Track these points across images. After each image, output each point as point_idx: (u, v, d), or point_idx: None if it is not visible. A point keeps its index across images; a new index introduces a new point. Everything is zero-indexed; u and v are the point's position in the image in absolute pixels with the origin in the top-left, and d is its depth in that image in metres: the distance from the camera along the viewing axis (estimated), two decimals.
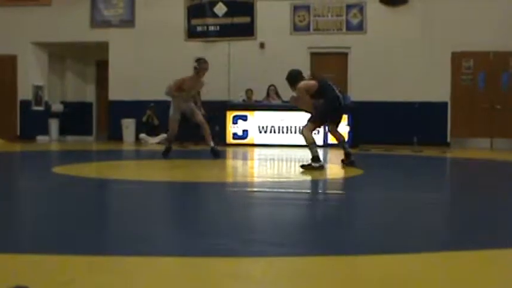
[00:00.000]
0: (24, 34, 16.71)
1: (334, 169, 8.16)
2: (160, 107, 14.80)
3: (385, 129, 14.35)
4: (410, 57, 14.58)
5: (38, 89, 17.00)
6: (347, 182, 6.48)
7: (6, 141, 15.14)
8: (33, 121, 16.88)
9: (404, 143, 13.69)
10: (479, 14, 14.20)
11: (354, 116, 13.38)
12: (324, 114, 7.49)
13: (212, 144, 8.88)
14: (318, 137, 13.35)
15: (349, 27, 15.17)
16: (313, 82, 7.58)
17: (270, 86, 14.47)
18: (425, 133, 14.12)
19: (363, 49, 14.89)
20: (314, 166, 7.19)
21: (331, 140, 12.26)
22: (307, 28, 15.34)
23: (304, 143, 7.41)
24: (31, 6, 16.68)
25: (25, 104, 16.94)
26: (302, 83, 7.49)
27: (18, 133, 16.98)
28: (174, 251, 2.65)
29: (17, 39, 16.70)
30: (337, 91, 7.58)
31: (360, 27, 15.05)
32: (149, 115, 15.21)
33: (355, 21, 15.12)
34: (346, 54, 15.26)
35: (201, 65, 9.12)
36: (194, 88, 9.26)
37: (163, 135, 14.83)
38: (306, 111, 7.74)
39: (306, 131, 7.42)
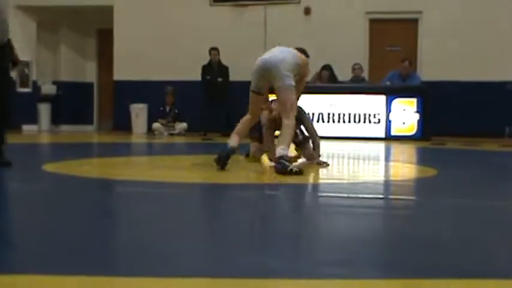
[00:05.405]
0: None
1: (401, 168, 8.15)
2: (180, 89, 14.90)
3: (467, 117, 14.15)
4: (506, 23, 14.33)
5: (23, 65, 17.20)
6: (417, 184, 6.48)
7: None
8: (17, 107, 17.09)
9: (493, 135, 13.50)
10: None
11: (424, 100, 13.19)
12: None
13: None
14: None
15: None
16: None
17: (322, 70, 14.21)
18: None
19: (438, 14, 14.71)
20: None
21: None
22: None
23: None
24: None
25: None
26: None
27: None
28: (202, 271, 2.67)
29: None
30: None
31: None
32: (166, 100, 15.25)
33: None
34: (415, 21, 15.13)
35: None
36: None
37: (183, 125, 14.92)
38: None
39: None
